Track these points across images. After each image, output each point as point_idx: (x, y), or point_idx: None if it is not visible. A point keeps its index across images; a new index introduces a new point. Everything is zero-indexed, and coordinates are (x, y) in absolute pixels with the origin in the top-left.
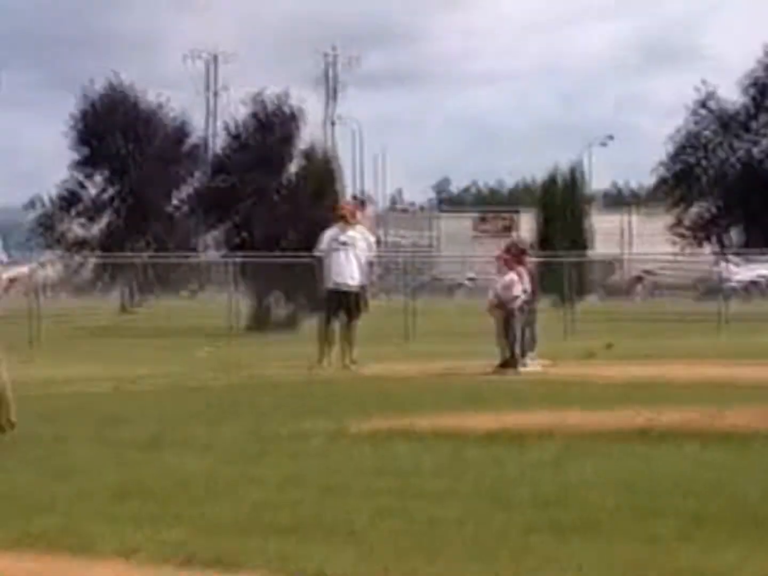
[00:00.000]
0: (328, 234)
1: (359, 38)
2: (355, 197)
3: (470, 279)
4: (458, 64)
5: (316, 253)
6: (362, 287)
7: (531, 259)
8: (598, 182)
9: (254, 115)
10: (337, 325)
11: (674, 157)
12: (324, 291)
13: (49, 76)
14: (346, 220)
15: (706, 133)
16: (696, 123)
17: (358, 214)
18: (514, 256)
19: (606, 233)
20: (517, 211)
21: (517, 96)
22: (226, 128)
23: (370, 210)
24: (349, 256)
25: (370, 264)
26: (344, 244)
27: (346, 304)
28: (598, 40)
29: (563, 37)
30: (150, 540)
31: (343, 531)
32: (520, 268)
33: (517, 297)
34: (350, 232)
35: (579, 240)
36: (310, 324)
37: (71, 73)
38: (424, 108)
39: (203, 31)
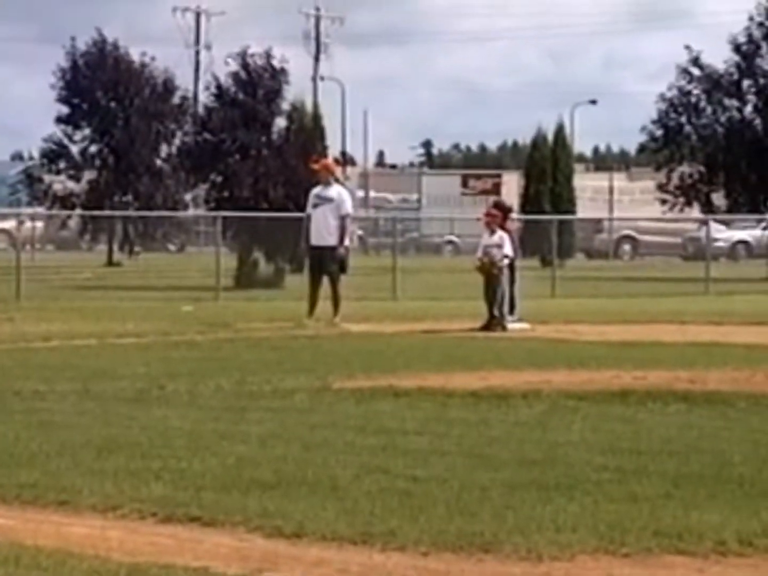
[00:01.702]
0: (312, 192)
1: None
2: (340, 156)
3: (449, 242)
4: (446, 22)
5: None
6: (341, 246)
7: (514, 221)
8: (582, 144)
9: (239, 72)
10: (320, 282)
11: (664, 115)
12: (305, 248)
13: (36, 30)
14: (321, 177)
15: (696, 92)
16: (688, 82)
17: (337, 171)
18: (501, 214)
19: (591, 194)
20: (499, 175)
21: (505, 55)
22: (211, 86)
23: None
24: (325, 213)
25: (343, 218)
26: (322, 200)
27: (321, 261)
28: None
29: None
30: (130, 496)
31: (325, 488)
32: (506, 229)
33: (506, 256)
34: (328, 189)
35: (564, 201)
36: (296, 281)
37: (59, 27)
38: (411, 67)
39: None
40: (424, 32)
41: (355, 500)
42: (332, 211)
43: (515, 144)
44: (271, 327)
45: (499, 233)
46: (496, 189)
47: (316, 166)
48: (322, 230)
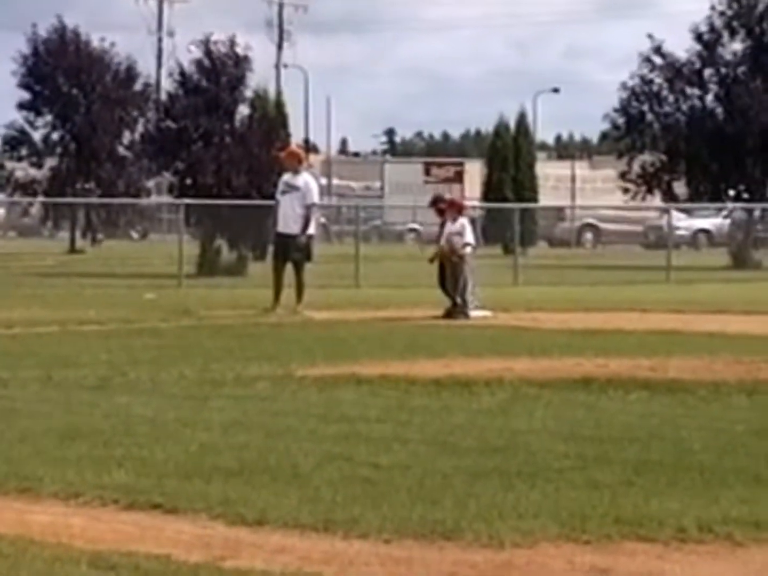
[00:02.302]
0: (282, 179)
1: None
2: (303, 143)
3: (412, 230)
4: (410, 11)
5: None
6: (303, 235)
7: (471, 210)
8: (545, 132)
9: (202, 60)
10: (284, 270)
11: (626, 103)
12: (273, 236)
13: None
14: (289, 165)
15: (658, 80)
16: (650, 71)
17: (304, 158)
18: (458, 204)
19: (554, 183)
20: (461, 163)
21: (470, 44)
22: (174, 73)
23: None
24: (292, 201)
25: (308, 207)
26: (290, 188)
27: (285, 248)
28: None
29: None
30: (93, 483)
31: (288, 475)
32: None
33: (468, 243)
34: (296, 177)
35: (526, 189)
36: (259, 268)
37: (20, 13)
38: (375, 55)
39: None
40: (388, 20)
41: (317, 488)
42: (299, 199)
43: (478, 132)
44: (234, 315)
45: (461, 221)
46: (459, 177)
47: (282, 155)
48: (288, 218)
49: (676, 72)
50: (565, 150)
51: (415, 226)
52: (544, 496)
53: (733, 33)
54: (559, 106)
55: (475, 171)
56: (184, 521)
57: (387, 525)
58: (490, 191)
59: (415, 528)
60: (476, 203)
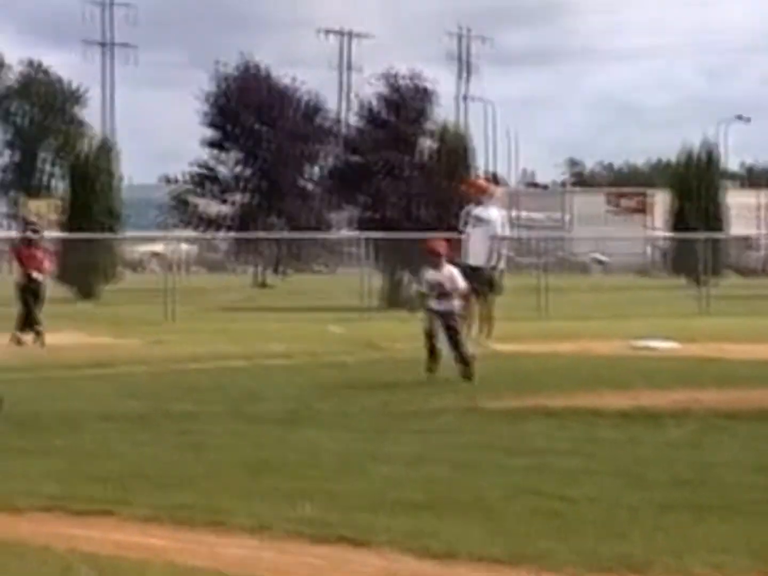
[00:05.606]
0: (465, 210)
1: (498, 16)
2: (488, 176)
3: (597, 261)
4: (597, 41)
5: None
6: (493, 267)
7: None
8: (734, 160)
9: (386, 93)
10: (477, 302)
11: None
12: (463, 267)
13: (187, 56)
14: (476, 196)
15: None
16: None
17: (494, 190)
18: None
19: (743, 212)
20: (644, 193)
21: (658, 73)
22: (359, 107)
23: (498, 190)
24: (479, 233)
25: (494, 239)
26: (478, 220)
27: (475, 281)
28: (743, 15)
29: (708, 12)
30: (281, 516)
31: (475, 508)
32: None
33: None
34: (482, 209)
35: (713, 218)
36: None
37: (209, 53)
38: (561, 86)
39: (338, 10)
40: (573, 51)
41: (506, 521)
42: (489, 232)
43: (667, 162)
44: (418, 347)
45: (448, 267)
46: (642, 207)
47: (466, 187)
48: (479, 251)
49: None
50: (756, 179)
51: (600, 256)
52: (735, 529)
53: None
54: (749, 133)
55: (661, 201)
56: (372, 554)
57: (576, 559)
58: (678, 221)
59: (603, 562)
60: (661, 233)
